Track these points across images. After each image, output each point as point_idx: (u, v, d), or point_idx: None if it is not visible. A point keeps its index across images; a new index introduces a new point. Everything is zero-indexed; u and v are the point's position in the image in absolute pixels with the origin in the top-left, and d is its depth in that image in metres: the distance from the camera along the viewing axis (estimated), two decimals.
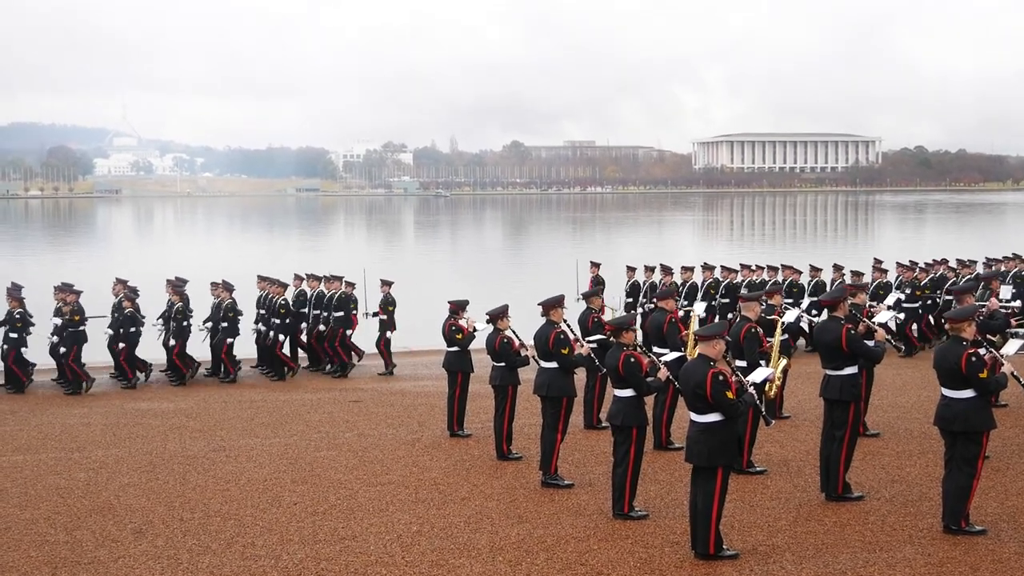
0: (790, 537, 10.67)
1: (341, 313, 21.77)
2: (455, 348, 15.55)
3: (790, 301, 19.91)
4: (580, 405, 15.54)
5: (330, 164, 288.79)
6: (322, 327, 22.04)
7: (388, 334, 22.13)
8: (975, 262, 24.73)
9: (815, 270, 24.38)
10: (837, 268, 24.66)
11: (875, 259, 25.00)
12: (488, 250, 65.59)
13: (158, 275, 23.30)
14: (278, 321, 21.50)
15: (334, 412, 17.71)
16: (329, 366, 22.14)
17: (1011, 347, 11.54)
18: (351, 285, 22.07)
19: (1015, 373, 10.82)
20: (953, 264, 24.53)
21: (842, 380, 11.88)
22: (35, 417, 17.71)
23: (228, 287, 21.63)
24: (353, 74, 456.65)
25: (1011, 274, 23.93)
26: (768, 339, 13.70)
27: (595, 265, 24.49)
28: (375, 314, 22.20)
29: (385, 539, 10.82)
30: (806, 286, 24.02)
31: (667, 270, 23.44)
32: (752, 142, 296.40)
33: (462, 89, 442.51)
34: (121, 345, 20.67)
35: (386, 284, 22.20)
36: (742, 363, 12.67)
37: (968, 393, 10.46)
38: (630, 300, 23.75)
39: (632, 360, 11.23)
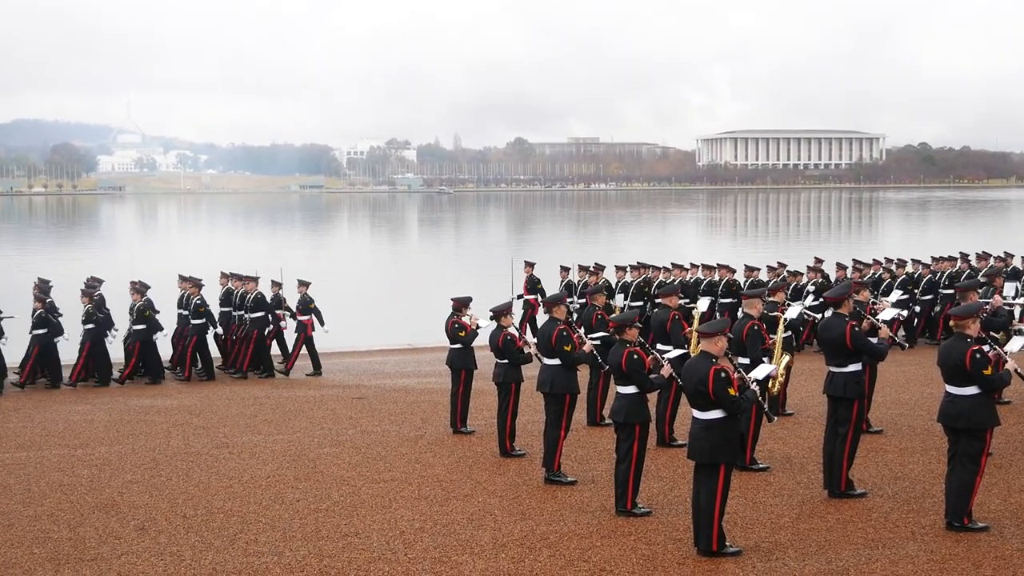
0: (793, 534, 10.66)
1: (259, 314, 21.34)
2: (458, 345, 15.54)
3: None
4: (583, 402, 15.54)
5: (334, 161, 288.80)
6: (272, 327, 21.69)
7: (310, 333, 21.56)
8: (989, 255, 24.69)
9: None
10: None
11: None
12: (490, 246, 65.56)
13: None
14: (196, 321, 21.05)
15: (337, 409, 17.72)
16: (278, 366, 21.71)
17: (1015, 344, 11.54)
18: (278, 285, 21.68)
19: (1019, 370, 10.83)
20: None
21: (846, 377, 11.87)
22: (39, 414, 17.73)
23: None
24: (357, 71, 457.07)
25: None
26: (771, 336, 13.69)
27: (529, 265, 24.23)
28: (293, 315, 21.68)
29: (388, 536, 10.83)
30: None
31: (598, 269, 23.20)
32: (756, 139, 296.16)
33: (466, 86, 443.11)
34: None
35: (303, 284, 21.70)
36: (745, 360, 12.67)
37: (972, 390, 10.46)
38: (571, 301, 23.49)
39: (635, 357, 11.23)
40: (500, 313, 14.23)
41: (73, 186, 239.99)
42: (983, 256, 24.71)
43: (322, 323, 21.66)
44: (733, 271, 23.87)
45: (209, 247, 68.28)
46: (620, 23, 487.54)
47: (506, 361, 14.07)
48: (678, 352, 13.35)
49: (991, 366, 10.44)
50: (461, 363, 15.55)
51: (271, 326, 21.59)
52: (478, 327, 15.71)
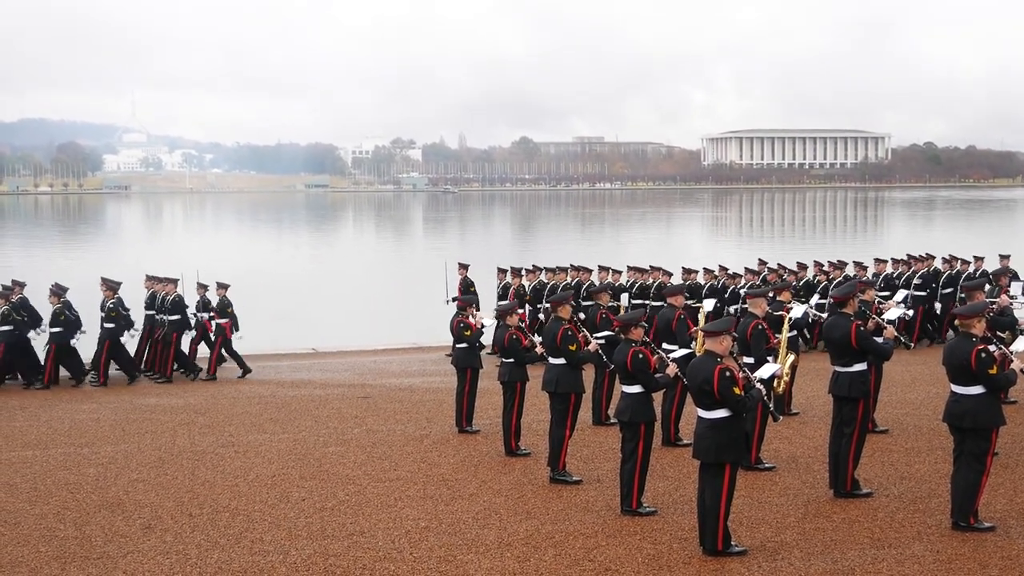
0: (798, 533, 10.66)
1: (176, 316, 21.18)
2: (464, 344, 15.55)
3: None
4: (588, 401, 15.55)
5: (339, 160, 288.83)
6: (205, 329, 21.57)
7: (228, 336, 21.35)
8: (982, 258, 24.69)
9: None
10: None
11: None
12: (496, 246, 65.57)
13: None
14: (110, 325, 20.74)
15: (342, 408, 17.73)
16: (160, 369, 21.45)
17: (1021, 344, 11.51)
18: (203, 287, 21.53)
19: None
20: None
21: (851, 376, 11.86)
22: (45, 413, 17.76)
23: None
24: (362, 70, 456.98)
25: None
26: (776, 335, 13.69)
27: (463, 267, 24.08)
28: (211, 317, 21.48)
29: (393, 535, 10.83)
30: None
31: (517, 271, 23.04)
32: (761, 138, 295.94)
33: (471, 85, 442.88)
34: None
35: (222, 287, 21.57)
36: (750, 360, 12.66)
37: (977, 389, 10.45)
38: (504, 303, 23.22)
39: (640, 356, 11.23)
40: (505, 312, 14.24)
41: (79, 185, 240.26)
42: (950, 260, 24.71)
43: (237, 328, 21.51)
44: (670, 274, 23.63)
45: (217, 246, 68.36)
46: (623, 21, 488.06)
47: (511, 360, 14.07)
48: (683, 351, 13.35)
49: (996, 365, 10.43)
50: (467, 362, 15.56)
51: (203, 327, 21.46)
52: (483, 326, 15.72)
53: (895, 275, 24.11)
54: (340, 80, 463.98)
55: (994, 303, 14.98)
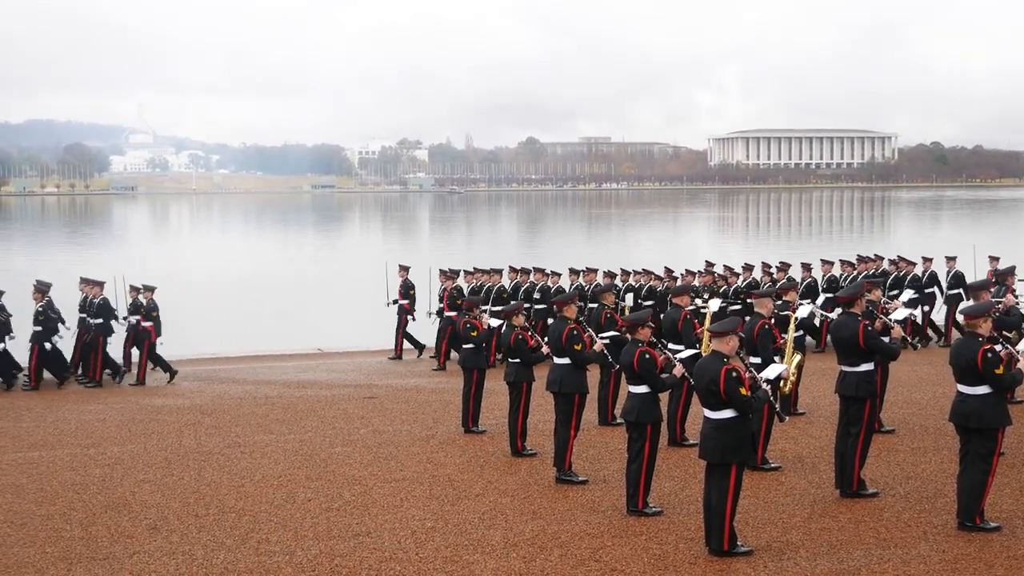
0: (804, 533, 10.65)
1: (100, 320, 20.92)
2: (470, 345, 15.56)
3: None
4: (595, 402, 15.55)
5: (345, 161, 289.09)
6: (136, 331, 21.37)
7: (153, 340, 21.16)
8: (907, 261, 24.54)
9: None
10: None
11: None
12: (501, 245, 65.55)
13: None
14: (37, 328, 20.56)
15: (349, 408, 17.74)
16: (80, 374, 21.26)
17: None
18: (136, 290, 21.33)
19: None
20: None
21: (858, 376, 11.84)
22: (51, 413, 17.79)
23: (149, 288, 21.32)
24: (369, 71, 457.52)
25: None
26: (782, 335, 13.68)
27: (404, 269, 23.94)
28: (138, 320, 21.25)
29: (399, 535, 10.84)
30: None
31: (447, 273, 22.90)
32: (768, 138, 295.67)
33: (477, 86, 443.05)
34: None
35: (148, 290, 21.30)
36: (756, 360, 12.65)
37: (984, 389, 10.43)
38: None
39: (647, 356, 11.22)
40: (511, 313, 14.24)
41: (86, 186, 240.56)
42: (896, 261, 24.71)
43: (159, 333, 21.29)
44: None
45: (221, 247, 68.46)
46: (629, 21, 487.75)
47: (517, 360, 14.07)
48: (690, 352, 13.34)
49: (1003, 365, 10.41)
50: (473, 363, 15.56)
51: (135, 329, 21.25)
52: (489, 327, 15.72)
53: (843, 277, 24.01)
54: (347, 81, 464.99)
55: (1000, 303, 14.94)
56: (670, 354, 11.83)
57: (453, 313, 21.60)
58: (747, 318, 13.40)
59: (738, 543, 10.07)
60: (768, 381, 10.63)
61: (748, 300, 15.95)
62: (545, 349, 13.64)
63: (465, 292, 22.71)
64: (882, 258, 25.38)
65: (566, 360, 12.88)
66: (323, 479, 13.10)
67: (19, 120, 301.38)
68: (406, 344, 23.78)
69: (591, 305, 21.25)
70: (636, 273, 23.85)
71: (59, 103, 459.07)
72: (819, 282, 23.94)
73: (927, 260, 24.48)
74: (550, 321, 15.72)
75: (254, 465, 13.89)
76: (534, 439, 14.58)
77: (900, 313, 14.75)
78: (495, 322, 16.20)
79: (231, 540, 10.77)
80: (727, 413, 9.95)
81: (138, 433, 16.07)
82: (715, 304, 17.66)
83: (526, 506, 11.80)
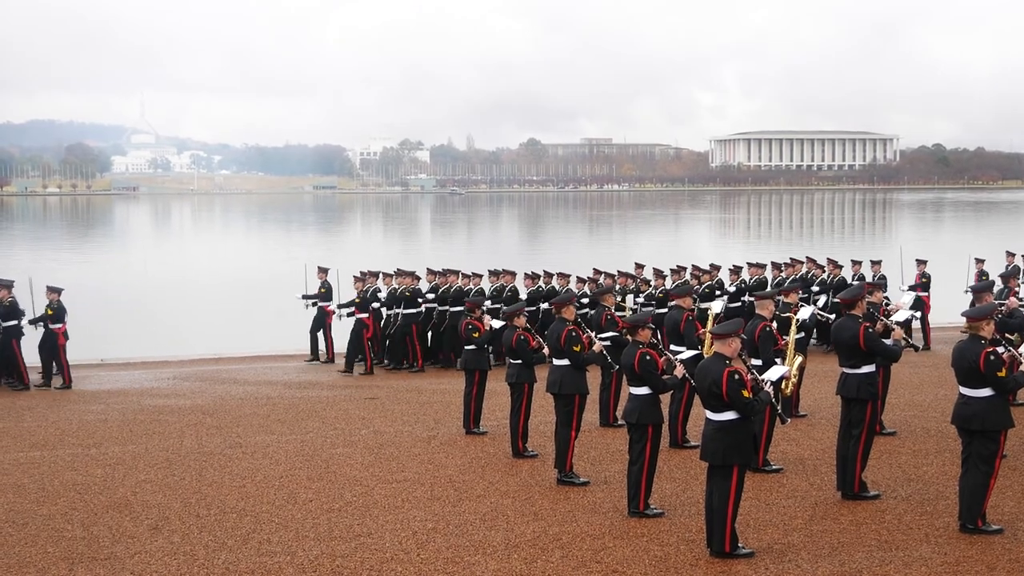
0: (806, 535, 10.64)
1: (12, 322, 20.55)
2: (472, 346, 15.55)
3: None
4: (596, 403, 15.54)
5: (347, 162, 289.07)
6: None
7: (61, 343, 20.83)
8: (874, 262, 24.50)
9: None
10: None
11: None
12: (504, 246, 65.56)
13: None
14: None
15: (350, 409, 17.74)
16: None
17: None
18: (55, 292, 20.95)
19: None
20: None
21: (859, 378, 11.84)
22: (52, 413, 17.80)
23: (55, 290, 21.03)
24: (370, 72, 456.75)
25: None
26: (783, 337, 13.67)
27: (323, 271, 23.72)
28: (32, 322, 21.05)
29: (400, 536, 10.84)
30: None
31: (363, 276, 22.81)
32: (769, 140, 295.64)
33: (478, 87, 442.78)
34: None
35: (53, 291, 20.99)
36: (757, 362, 12.65)
37: (986, 392, 10.43)
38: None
39: (648, 358, 11.22)
40: (512, 314, 14.23)
41: (87, 186, 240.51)
42: (819, 263, 24.75)
43: (66, 337, 21.00)
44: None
45: (223, 248, 68.47)
46: (631, 22, 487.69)
47: (519, 361, 14.06)
48: (691, 353, 13.33)
49: (1005, 368, 10.41)
50: (475, 364, 15.56)
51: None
52: (491, 328, 15.72)
53: (775, 280, 24.01)
54: (348, 82, 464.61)
55: (1003, 305, 14.93)
56: (670, 355, 11.83)
57: (365, 315, 21.83)
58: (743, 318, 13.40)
59: (739, 545, 10.06)
60: (770, 383, 10.62)
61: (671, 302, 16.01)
62: (547, 351, 13.64)
63: (380, 295, 22.58)
64: (814, 261, 25.17)
65: (565, 361, 12.88)
66: (324, 480, 13.10)
67: (21, 120, 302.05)
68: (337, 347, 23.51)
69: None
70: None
71: (61, 103, 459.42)
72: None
73: (856, 263, 24.39)
74: (495, 324, 15.70)
75: (255, 466, 13.89)
76: (535, 440, 14.58)
77: (901, 315, 14.74)
78: (497, 323, 16.19)
79: (232, 540, 10.77)
80: (729, 415, 9.95)
81: (139, 433, 16.08)
82: (717, 305, 17.64)
83: (527, 507, 11.80)
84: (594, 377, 13.65)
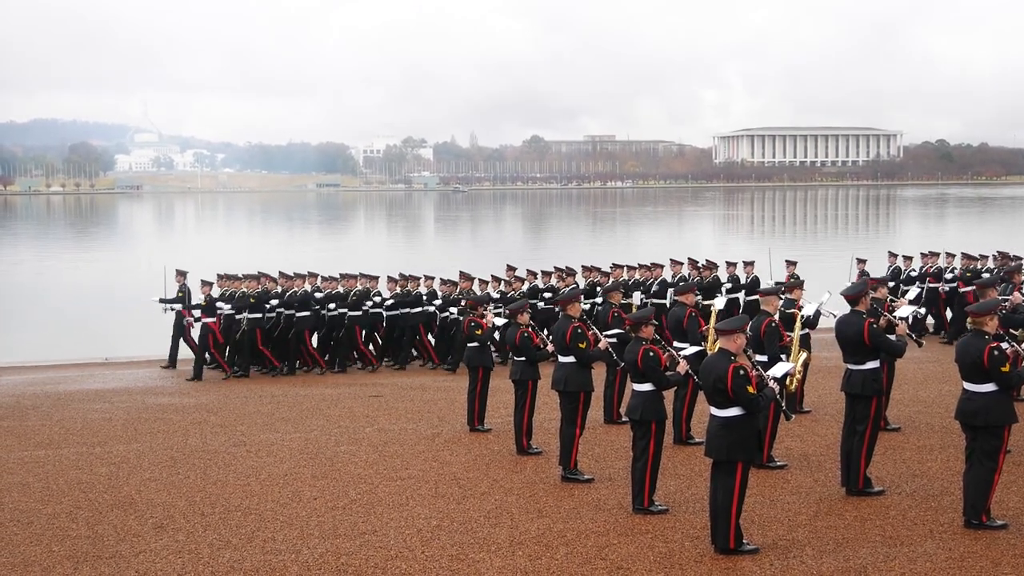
0: (810, 532, 10.64)
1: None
2: (475, 344, 15.55)
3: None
4: (600, 400, 15.54)
5: (350, 160, 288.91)
6: None
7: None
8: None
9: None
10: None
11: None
12: (506, 245, 65.52)
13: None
14: None
15: (354, 407, 17.74)
16: None
17: None
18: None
19: None
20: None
21: (864, 374, 11.83)
22: (57, 412, 17.81)
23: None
24: (373, 70, 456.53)
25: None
26: (788, 333, 13.67)
27: (181, 274, 23.44)
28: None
29: (405, 533, 10.84)
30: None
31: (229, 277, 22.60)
32: (772, 136, 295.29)
33: (481, 84, 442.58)
34: None
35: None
36: (762, 358, 12.64)
37: (990, 387, 10.42)
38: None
39: (651, 354, 11.22)
40: (515, 311, 14.23)
41: (91, 185, 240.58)
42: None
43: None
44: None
45: (228, 245, 68.42)
46: (634, 20, 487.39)
47: (523, 359, 14.06)
48: (694, 349, 13.34)
49: (1009, 363, 10.40)
50: (478, 361, 15.56)
51: None
52: (494, 326, 15.72)
53: (694, 279, 23.95)
54: (351, 80, 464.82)
55: (1006, 300, 14.91)
56: (674, 352, 11.82)
57: (212, 320, 21.49)
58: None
59: (744, 541, 10.06)
60: (775, 379, 10.62)
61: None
62: (551, 348, 13.64)
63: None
64: (732, 264, 25.06)
65: (571, 359, 12.88)
66: (329, 477, 13.11)
67: (24, 119, 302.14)
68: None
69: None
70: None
71: (64, 102, 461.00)
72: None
73: (791, 264, 24.35)
74: (498, 322, 15.69)
75: (260, 464, 13.90)
76: (539, 437, 14.57)
77: (905, 310, 14.73)
78: (500, 321, 16.19)
79: (237, 539, 10.78)
80: (734, 411, 9.94)
81: (144, 432, 16.09)
82: (720, 302, 17.65)
83: (532, 504, 11.80)
84: (598, 374, 13.64)
